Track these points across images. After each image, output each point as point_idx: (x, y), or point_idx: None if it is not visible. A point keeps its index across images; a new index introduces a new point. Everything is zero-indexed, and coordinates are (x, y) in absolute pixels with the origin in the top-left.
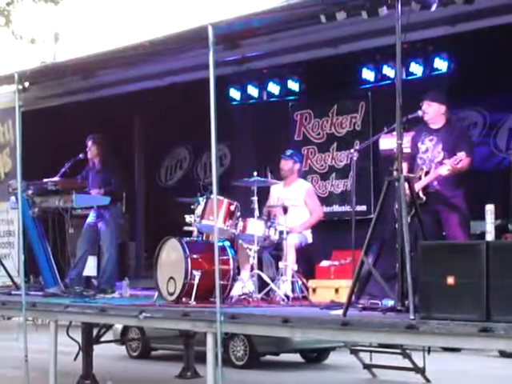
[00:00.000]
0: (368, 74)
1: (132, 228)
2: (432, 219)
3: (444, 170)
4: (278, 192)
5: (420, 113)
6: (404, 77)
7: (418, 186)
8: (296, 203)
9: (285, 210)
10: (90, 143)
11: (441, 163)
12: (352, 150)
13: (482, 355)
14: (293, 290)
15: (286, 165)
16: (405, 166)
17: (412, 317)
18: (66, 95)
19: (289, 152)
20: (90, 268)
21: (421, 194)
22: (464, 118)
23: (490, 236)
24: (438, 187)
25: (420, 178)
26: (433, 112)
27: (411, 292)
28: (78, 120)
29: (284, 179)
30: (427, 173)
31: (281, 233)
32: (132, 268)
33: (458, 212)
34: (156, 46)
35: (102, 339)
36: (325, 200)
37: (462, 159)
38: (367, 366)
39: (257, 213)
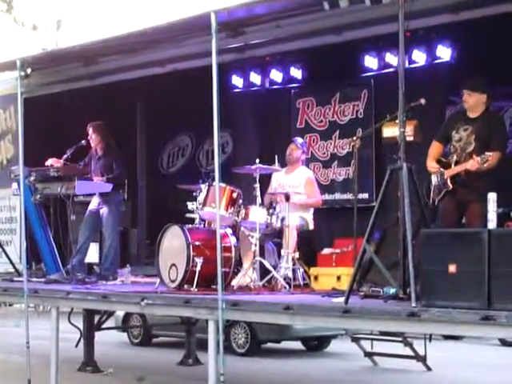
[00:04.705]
0: (371, 62)
1: (134, 215)
2: (456, 209)
3: (471, 166)
4: (280, 179)
5: (423, 101)
6: (407, 65)
7: (447, 174)
8: (297, 190)
9: (287, 197)
10: (90, 131)
11: (471, 155)
12: (354, 138)
13: (483, 343)
14: (294, 278)
15: (295, 152)
16: (438, 145)
17: (414, 305)
18: (68, 82)
19: (300, 140)
20: (92, 255)
21: (448, 182)
22: None
23: (492, 224)
24: (466, 177)
25: (450, 166)
26: (474, 102)
27: (413, 280)
28: (80, 107)
29: (288, 165)
30: (457, 162)
31: (282, 220)
32: (134, 255)
33: (483, 203)
34: (159, 32)
35: (104, 326)
36: (327, 188)
37: (488, 160)
38: (368, 354)
39: (259, 200)
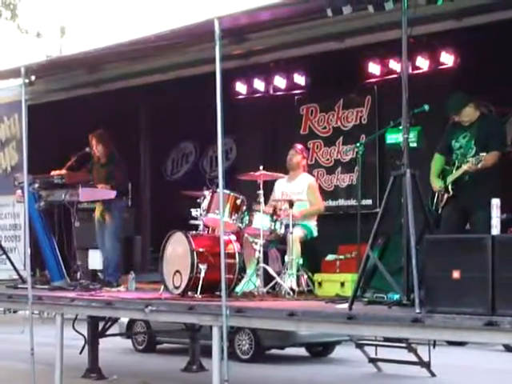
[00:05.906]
0: (374, 68)
1: (138, 222)
2: (460, 216)
3: (467, 168)
4: (282, 187)
5: (426, 107)
6: (410, 71)
7: (448, 180)
8: (300, 197)
9: (291, 204)
10: (93, 141)
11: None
12: (358, 144)
13: (487, 349)
14: (298, 284)
15: (296, 158)
16: (442, 158)
17: (417, 310)
18: (72, 89)
19: (299, 146)
20: (96, 261)
21: (449, 188)
22: None
23: (495, 230)
24: (469, 183)
25: (452, 172)
26: (466, 116)
27: (417, 286)
28: (84, 114)
29: (289, 171)
30: (458, 168)
31: (286, 226)
32: (138, 262)
33: (486, 209)
34: (163, 39)
35: (108, 333)
36: (330, 194)
37: (481, 160)
38: (372, 360)
39: (263, 206)
